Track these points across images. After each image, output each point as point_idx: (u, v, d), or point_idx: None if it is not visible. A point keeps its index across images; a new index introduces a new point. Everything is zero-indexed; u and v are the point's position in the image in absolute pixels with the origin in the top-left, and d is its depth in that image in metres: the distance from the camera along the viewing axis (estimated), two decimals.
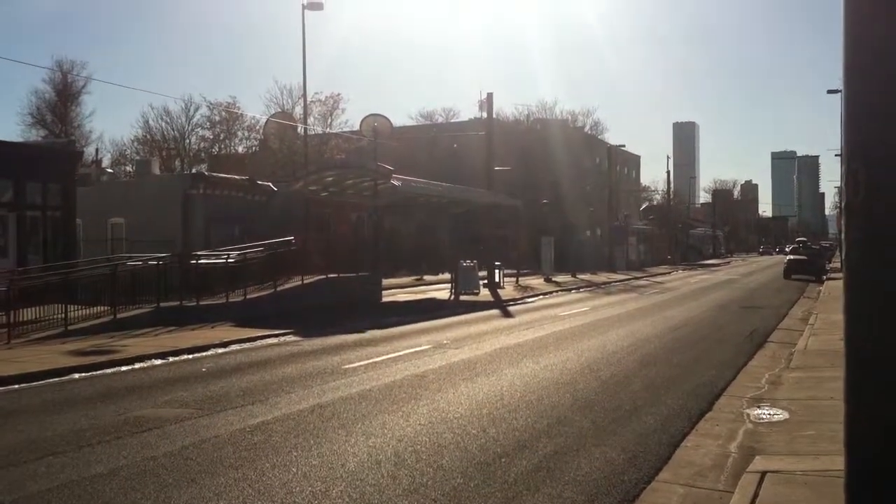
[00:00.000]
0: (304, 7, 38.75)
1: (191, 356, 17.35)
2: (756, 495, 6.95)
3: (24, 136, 68.93)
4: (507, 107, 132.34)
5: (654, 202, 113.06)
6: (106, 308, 22.00)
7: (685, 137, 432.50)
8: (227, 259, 27.13)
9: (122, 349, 17.76)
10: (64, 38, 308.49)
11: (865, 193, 2.54)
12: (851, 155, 2.59)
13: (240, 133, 73.39)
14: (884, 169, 2.51)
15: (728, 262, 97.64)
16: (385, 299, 33.26)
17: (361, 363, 15.75)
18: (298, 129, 56.84)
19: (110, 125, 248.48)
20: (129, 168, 69.61)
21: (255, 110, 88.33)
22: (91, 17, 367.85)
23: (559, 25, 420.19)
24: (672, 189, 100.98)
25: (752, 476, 7.52)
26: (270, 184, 38.25)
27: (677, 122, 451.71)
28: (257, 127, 68.56)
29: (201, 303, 24.56)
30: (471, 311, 28.32)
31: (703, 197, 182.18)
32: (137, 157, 66.38)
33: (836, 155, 71.33)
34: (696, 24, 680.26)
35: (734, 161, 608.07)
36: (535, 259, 52.62)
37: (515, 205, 48.28)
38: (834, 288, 35.45)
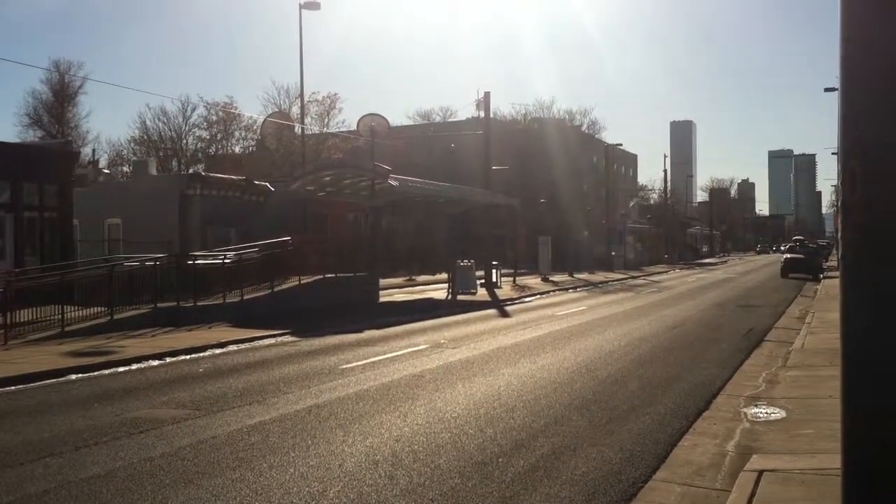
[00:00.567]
0: (300, 7, 38.81)
1: (188, 357, 17.34)
2: (753, 494, 6.95)
3: (21, 137, 68.95)
4: (505, 106, 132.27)
5: (652, 201, 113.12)
6: (103, 309, 21.97)
7: (682, 136, 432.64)
8: (224, 259, 27.10)
9: (120, 350, 17.74)
10: (61, 39, 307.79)
11: (862, 191, 2.54)
12: (848, 153, 2.59)
13: (237, 133, 73.42)
14: (881, 167, 2.51)
15: (725, 261, 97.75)
16: (382, 299, 33.25)
17: (359, 363, 15.74)
18: (296, 129, 56.93)
19: (107, 126, 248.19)
20: (125, 168, 69.45)
21: (253, 110, 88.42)
22: (88, 18, 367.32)
23: (556, 25, 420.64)
24: (669, 188, 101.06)
25: (749, 475, 7.52)
26: (267, 184, 38.22)
27: (674, 121, 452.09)
28: (254, 127, 68.56)
29: (198, 303, 24.53)
30: (468, 310, 28.32)
31: (701, 196, 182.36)
32: (134, 158, 66.28)
33: (832, 153, 71.44)
34: (693, 23, 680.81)
35: (731, 160, 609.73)
36: (532, 258, 52.63)
37: (513, 204, 48.26)
38: (831, 286, 35.46)
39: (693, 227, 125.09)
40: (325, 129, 65.08)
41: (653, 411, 11.00)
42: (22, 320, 20.04)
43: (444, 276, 37.74)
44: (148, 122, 73.47)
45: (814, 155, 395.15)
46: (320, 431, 9.96)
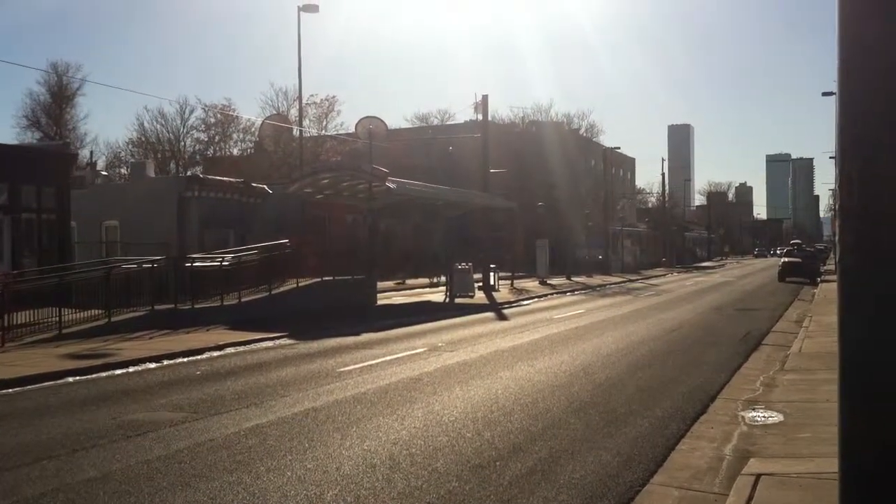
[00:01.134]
0: (299, 9, 38.81)
1: (185, 359, 17.31)
2: (751, 498, 6.95)
3: (19, 139, 68.91)
4: (503, 109, 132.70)
5: (650, 205, 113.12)
6: (100, 311, 21.94)
7: (680, 140, 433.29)
8: (221, 262, 27.08)
9: (117, 352, 17.71)
10: (59, 41, 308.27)
11: (860, 195, 2.53)
12: (845, 155, 2.58)
13: (235, 135, 73.40)
14: (878, 169, 2.50)
15: (723, 265, 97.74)
16: (380, 302, 33.21)
17: (356, 366, 15.73)
18: (294, 132, 56.87)
19: (105, 127, 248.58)
20: (123, 171, 69.53)
21: (251, 112, 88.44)
22: (86, 20, 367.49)
23: (554, 28, 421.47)
24: (667, 192, 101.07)
25: (746, 478, 7.52)
26: (265, 186, 38.21)
27: (672, 125, 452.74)
28: (252, 129, 68.54)
29: (196, 306, 24.52)
30: (466, 313, 28.30)
31: (698, 199, 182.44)
32: (132, 160, 66.29)
33: (830, 157, 71.43)
34: (691, 27, 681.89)
35: (729, 164, 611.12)
36: (530, 262, 52.60)
37: (511, 207, 48.25)
38: (828, 290, 35.47)
39: (691, 230, 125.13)
40: (323, 131, 65.08)
41: (650, 415, 11.00)
42: (19, 322, 20.00)
43: (443, 278, 37.72)
44: (146, 124, 73.49)
45: (811, 159, 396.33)
46: (318, 434, 9.95)
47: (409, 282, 42.25)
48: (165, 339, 20.09)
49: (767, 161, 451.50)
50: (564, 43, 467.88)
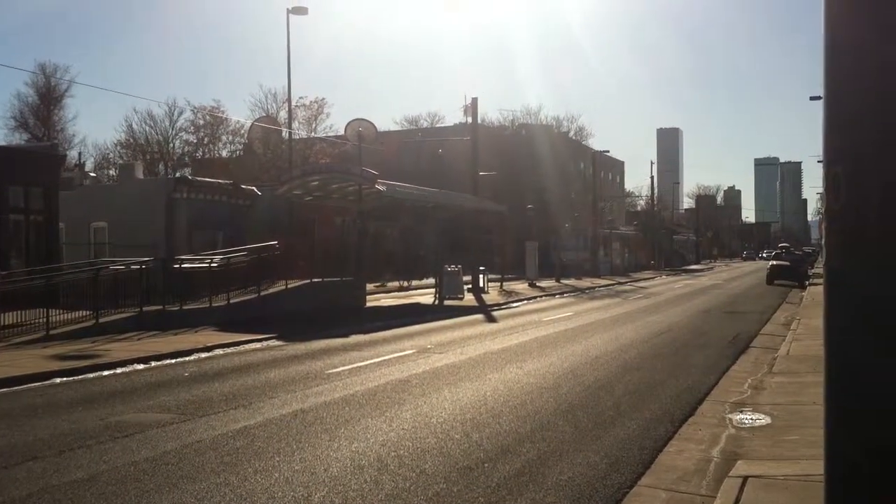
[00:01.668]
0: (288, 11, 38.76)
1: (174, 361, 17.26)
2: (738, 500, 6.97)
3: (7, 140, 68.64)
4: (493, 112, 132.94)
5: (639, 208, 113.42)
6: (88, 312, 21.86)
7: (669, 143, 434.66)
8: (210, 263, 27.02)
9: (105, 353, 17.64)
10: (47, 42, 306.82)
11: (846, 198, 2.53)
12: (832, 159, 2.58)
13: (224, 137, 73.34)
14: (865, 173, 2.50)
15: (711, 268, 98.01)
16: (369, 304, 33.21)
17: (345, 368, 15.71)
18: (283, 134, 56.77)
19: (94, 129, 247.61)
20: (112, 172, 69.31)
21: (240, 114, 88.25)
22: (75, 21, 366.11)
23: (544, 32, 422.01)
24: (656, 195, 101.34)
25: (734, 481, 7.54)
26: (254, 188, 38.15)
27: (661, 129, 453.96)
28: (242, 131, 68.45)
29: (185, 307, 24.45)
30: (455, 315, 28.31)
31: (687, 202, 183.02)
32: (121, 161, 66.11)
33: (818, 161, 71.80)
34: (680, 31, 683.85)
35: (717, 167, 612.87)
36: (519, 264, 52.67)
37: (500, 210, 48.29)
38: (816, 293, 35.59)
39: (679, 233, 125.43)
40: (312, 133, 65.08)
41: (639, 417, 11.02)
42: (6, 323, 19.91)
43: (432, 281, 37.71)
44: (134, 126, 73.38)
45: (799, 163, 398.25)
46: (306, 436, 9.93)
47: (399, 284, 42.20)
48: (153, 341, 20.03)
49: (756, 164, 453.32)
50: (554, 46, 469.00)
